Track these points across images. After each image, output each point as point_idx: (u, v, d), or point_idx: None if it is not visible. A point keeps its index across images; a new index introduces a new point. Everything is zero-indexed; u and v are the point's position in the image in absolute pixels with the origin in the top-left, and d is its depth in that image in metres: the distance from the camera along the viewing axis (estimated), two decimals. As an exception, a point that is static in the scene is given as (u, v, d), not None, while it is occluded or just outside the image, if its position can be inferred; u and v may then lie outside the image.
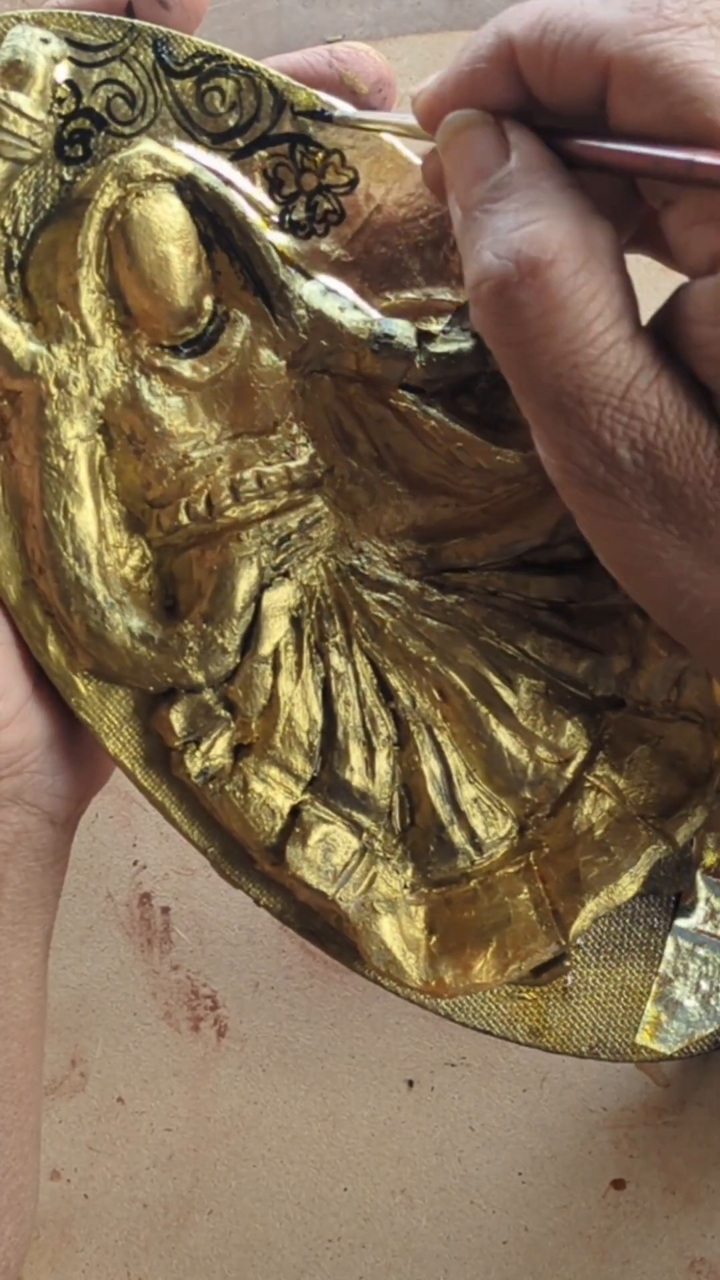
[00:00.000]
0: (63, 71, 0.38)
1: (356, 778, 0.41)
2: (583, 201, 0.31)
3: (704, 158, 0.28)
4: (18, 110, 0.37)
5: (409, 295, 0.40)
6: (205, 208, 0.38)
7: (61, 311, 0.38)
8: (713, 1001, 0.43)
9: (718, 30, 0.29)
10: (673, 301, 0.31)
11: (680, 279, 0.31)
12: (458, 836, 0.41)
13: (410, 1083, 0.56)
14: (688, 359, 0.31)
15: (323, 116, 0.39)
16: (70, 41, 0.38)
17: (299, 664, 0.41)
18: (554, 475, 0.32)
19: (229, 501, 0.39)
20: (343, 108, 0.39)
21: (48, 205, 0.38)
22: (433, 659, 0.41)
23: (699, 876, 0.43)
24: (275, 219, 0.39)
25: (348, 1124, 0.56)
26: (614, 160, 0.31)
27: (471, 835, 0.41)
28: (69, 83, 0.38)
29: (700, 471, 0.30)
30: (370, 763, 0.41)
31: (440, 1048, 0.56)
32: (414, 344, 0.39)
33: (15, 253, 0.38)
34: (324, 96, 0.39)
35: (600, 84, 0.30)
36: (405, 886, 0.41)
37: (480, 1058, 0.56)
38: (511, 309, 0.30)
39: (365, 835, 0.41)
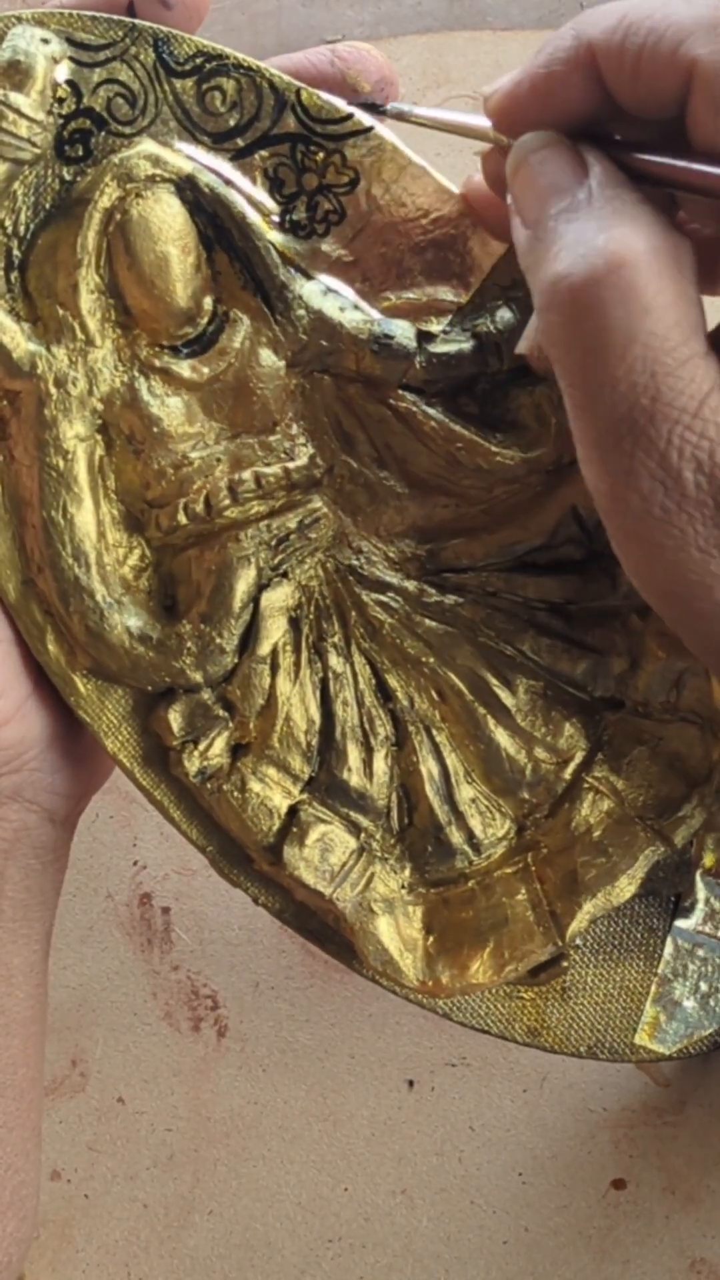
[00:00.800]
0: (63, 71, 0.38)
1: (354, 778, 0.41)
2: (663, 215, 0.30)
3: None
4: (17, 110, 0.37)
5: (409, 295, 0.40)
6: (205, 208, 0.38)
7: (61, 311, 0.38)
8: (712, 1002, 0.43)
9: None
10: None
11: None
12: (456, 837, 0.41)
13: (410, 1083, 0.56)
14: None
15: (379, 109, 0.38)
16: (71, 41, 0.38)
17: (297, 664, 0.41)
18: (603, 503, 0.31)
19: (227, 502, 0.39)
20: (416, 109, 0.38)
21: (48, 205, 0.38)
22: (431, 659, 0.41)
23: (698, 877, 0.43)
24: (276, 219, 0.39)
25: (348, 1124, 0.56)
26: (686, 179, 0.30)
27: (469, 836, 0.41)
28: (69, 83, 0.38)
29: None
30: (368, 763, 0.41)
31: (440, 1048, 0.56)
32: (414, 344, 0.39)
33: (15, 253, 0.38)
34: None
35: (684, 89, 0.29)
36: (403, 886, 0.41)
37: (480, 1058, 0.56)
38: (594, 309, 0.29)
39: (363, 835, 0.41)
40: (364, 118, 0.39)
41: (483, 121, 0.35)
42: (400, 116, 0.38)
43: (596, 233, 0.29)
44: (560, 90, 0.31)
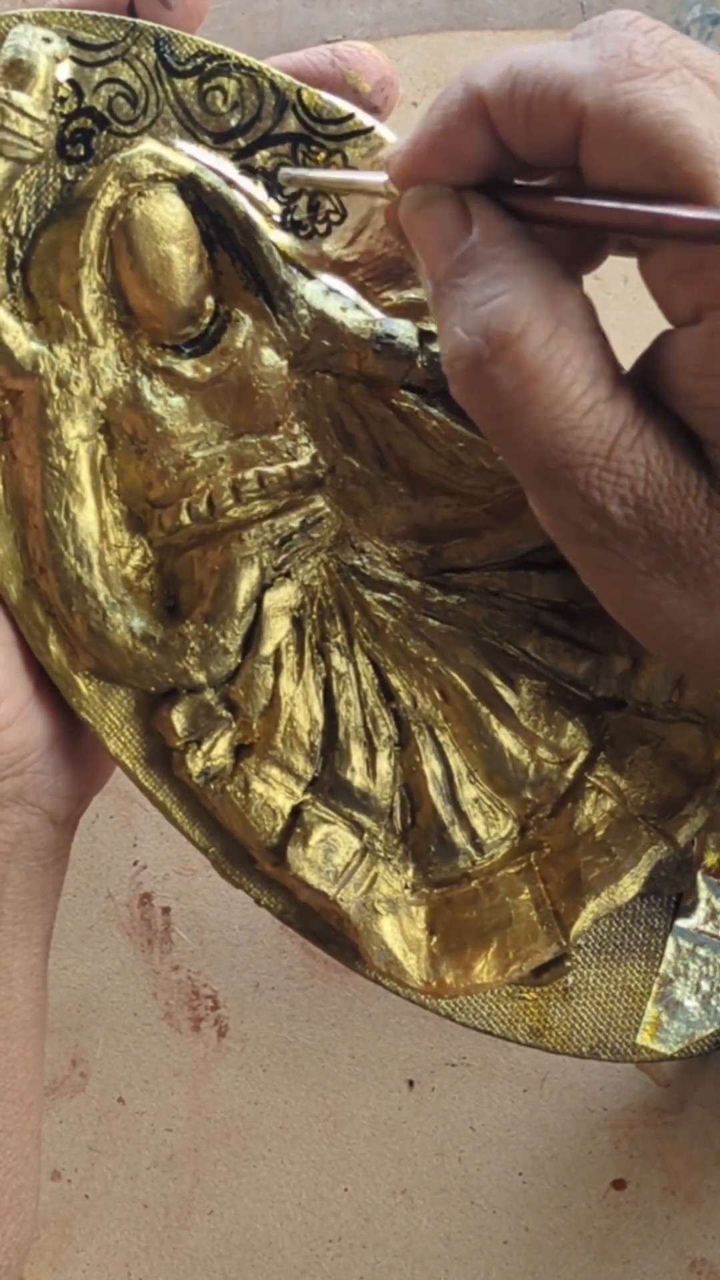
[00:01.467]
0: (64, 71, 0.38)
1: (358, 778, 0.41)
2: (548, 267, 0.31)
3: (675, 211, 0.28)
4: (20, 110, 0.37)
5: (411, 295, 0.40)
6: (207, 207, 0.38)
7: (63, 311, 0.38)
8: (713, 1002, 0.43)
9: (690, 74, 0.28)
10: (655, 350, 0.31)
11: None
12: (459, 837, 0.41)
13: (411, 1083, 0.56)
14: (676, 408, 0.31)
15: (276, 174, 0.38)
16: (72, 41, 0.38)
17: (300, 664, 0.41)
18: (550, 533, 0.32)
19: (230, 501, 0.39)
20: (308, 171, 0.38)
21: (49, 205, 0.38)
22: (434, 659, 0.41)
23: (700, 877, 0.43)
24: (277, 219, 0.39)
25: (348, 1124, 0.56)
26: (582, 217, 0.30)
27: (472, 835, 0.41)
28: (71, 82, 0.38)
29: (693, 521, 0.30)
30: (371, 763, 0.41)
31: (441, 1048, 0.56)
32: (416, 344, 0.39)
33: (17, 252, 0.38)
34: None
35: (575, 135, 0.29)
36: (406, 887, 0.41)
37: (481, 1058, 0.56)
38: (487, 384, 0.30)
39: (366, 836, 0.41)
40: (365, 117, 0.39)
41: (376, 177, 0.35)
42: (291, 181, 0.38)
43: (479, 302, 0.30)
44: (457, 144, 0.32)
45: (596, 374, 0.30)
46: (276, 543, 0.40)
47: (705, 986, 0.43)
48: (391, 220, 0.35)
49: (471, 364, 0.30)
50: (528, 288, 0.30)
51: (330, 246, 0.39)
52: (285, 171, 0.38)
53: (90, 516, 0.39)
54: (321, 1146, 0.55)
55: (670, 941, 0.43)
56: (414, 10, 0.59)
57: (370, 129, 0.39)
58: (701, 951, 0.43)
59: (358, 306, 0.39)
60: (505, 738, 0.41)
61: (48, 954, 0.45)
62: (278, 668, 0.40)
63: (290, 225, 0.39)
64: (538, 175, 0.33)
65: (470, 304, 0.31)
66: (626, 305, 0.54)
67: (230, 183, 0.38)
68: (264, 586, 0.40)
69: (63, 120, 0.38)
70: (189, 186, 0.38)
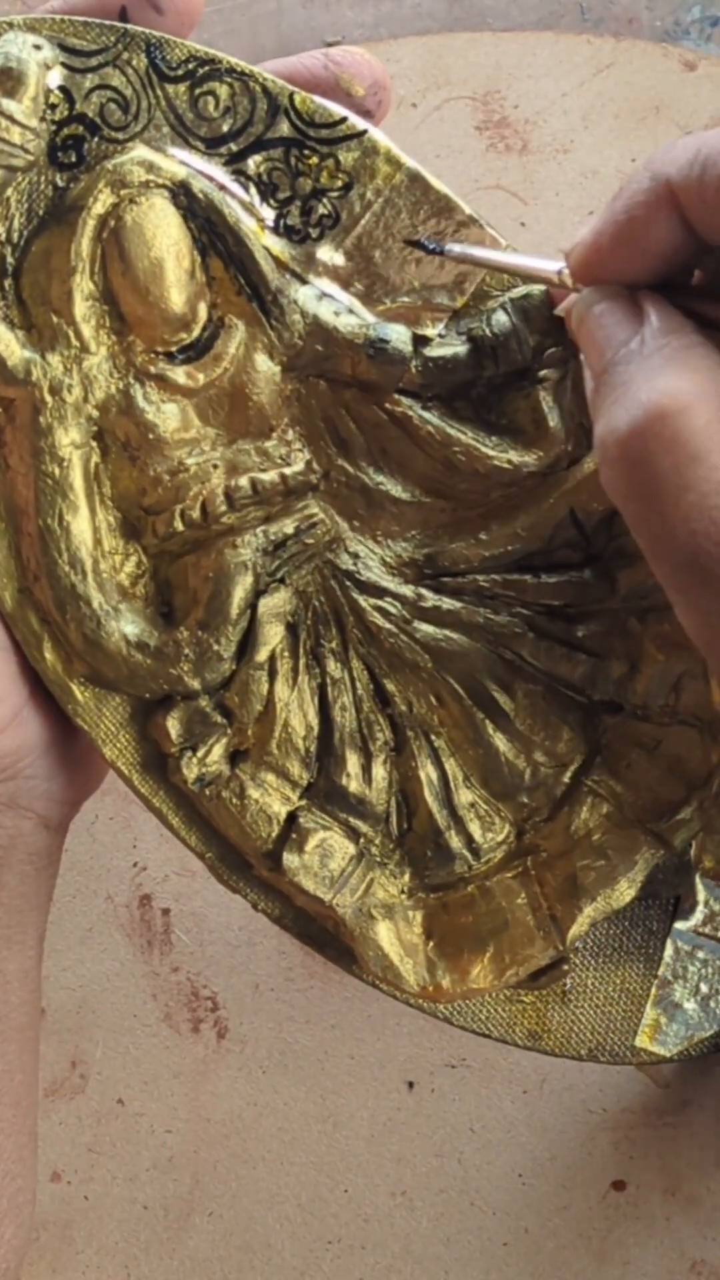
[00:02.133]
0: (55, 77, 0.37)
1: (353, 783, 0.41)
2: (715, 355, 0.30)
3: None
4: (10, 117, 0.37)
5: (405, 299, 0.39)
6: (199, 213, 0.38)
7: (55, 318, 0.38)
8: (712, 1004, 0.43)
9: None
10: None
11: None
12: (455, 841, 0.41)
13: (410, 1084, 0.56)
14: None
15: (436, 250, 0.38)
16: (63, 47, 0.37)
17: (295, 670, 0.41)
18: (694, 637, 0.31)
19: (224, 508, 0.39)
20: (477, 250, 0.38)
21: (41, 212, 0.38)
22: (429, 664, 0.41)
23: (697, 879, 0.43)
24: (270, 224, 0.39)
25: (348, 1125, 0.56)
26: None
27: (469, 840, 0.41)
28: (62, 88, 0.38)
29: None
30: (367, 768, 0.41)
31: (440, 1049, 0.56)
32: (410, 348, 0.39)
33: (9, 259, 0.38)
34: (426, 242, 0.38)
35: None
36: (402, 891, 0.41)
37: (480, 1059, 0.56)
38: (642, 462, 0.29)
39: (362, 841, 0.41)
40: (358, 121, 0.38)
41: (549, 265, 0.35)
42: (464, 259, 0.38)
43: (644, 384, 0.29)
44: (641, 234, 0.31)
45: None
46: (270, 549, 0.40)
47: (704, 988, 0.43)
48: (566, 314, 0.35)
49: (629, 435, 0.29)
50: (697, 369, 0.29)
51: (323, 251, 0.39)
52: (452, 247, 0.38)
53: (84, 524, 0.39)
54: (321, 1148, 0.56)
55: (669, 944, 0.43)
56: (413, 11, 0.59)
57: (363, 132, 0.39)
58: (700, 953, 0.43)
59: (351, 311, 0.39)
60: (501, 742, 0.41)
61: (41, 956, 0.45)
62: (272, 674, 0.40)
63: (283, 230, 0.39)
64: None
65: (634, 385, 0.29)
66: None
67: (222, 188, 0.38)
68: (258, 593, 0.40)
69: (54, 127, 0.38)
70: (181, 193, 0.38)
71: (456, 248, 0.38)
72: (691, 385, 0.29)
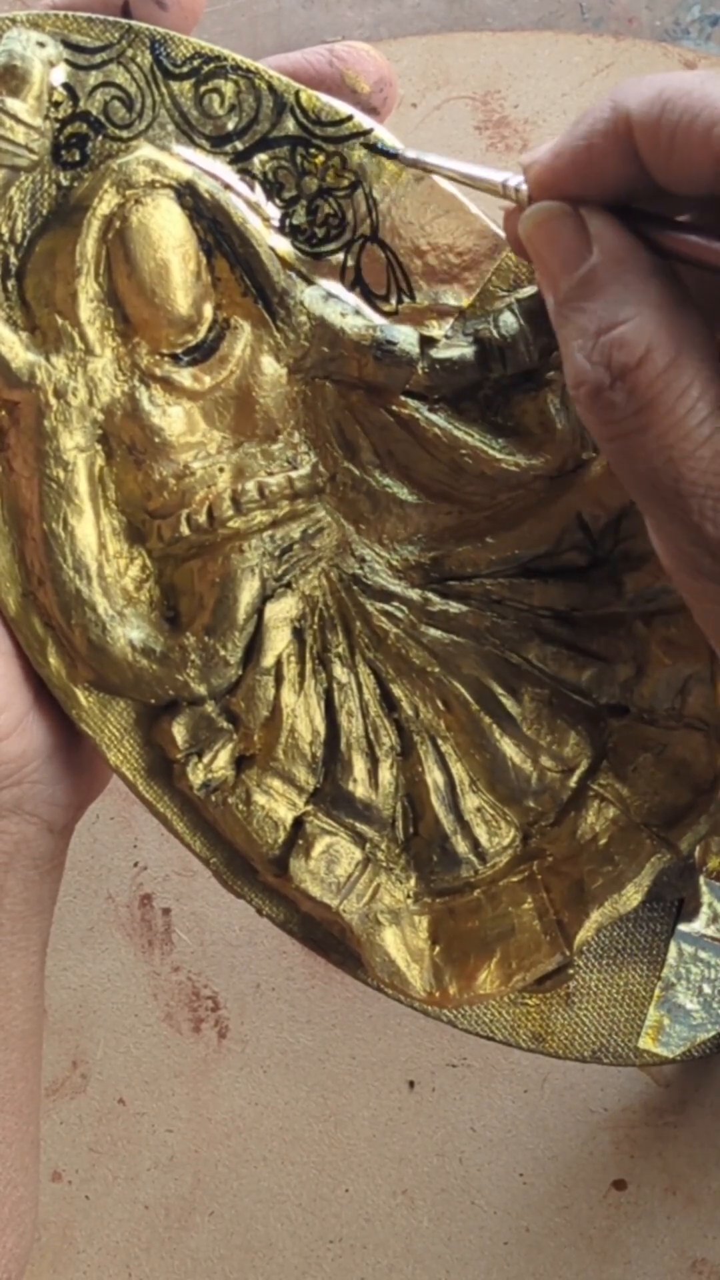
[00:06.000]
0: (59, 75, 0.37)
1: (360, 789, 0.41)
2: (671, 290, 0.31)
3: None
4: (14, 116, 0.36)
5: (411, 300, 0.39)
6: (205, 214, 0.37)
7: (60, 320, 0.38)
8: (715, 1005, 0.43)
9: None
10: None
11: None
12: (461, 846, 0.41)
13: (411, 1084, 0.56)
14: None
15: (390, 154, 0.38)
16: (66, 44, 0.37)
17: (301, 675, 0.40)
18: (663, 562, 0.33)
19: (230, 512, 0.39)
20: (430, 156, 0.38)
21: (45, 212, 0.37)
22: (436, 669, 0.41)
23: (702, 881, 0.43)
24: (276, 223, 0.38)
25: (349, 1125, 0.56)
26: (709, 258, 0.30)
27: (475, 845, 0.41)
28: (66, 86, 0.37)
29: None
30: (373, 773, 0.41)
31: (441, 1049, 0.56)
32: (416, 350, 0.38)
33: (13, 260, 0.38)
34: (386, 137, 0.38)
35: (717, 170, 0.29)
36: (409, 897, 0.41)
37: (481, 1059, 0.56)
38: (606, 408, 0.31)
39: (368, 846, 0.41)
40: (364, 119, 0.38)
41: (497, 175, 0.35)
42: (415, 164, 0.38)
43: (600, 329, 0.31)
44: (598, 161, 0.32)
45: (715, 403, 0.30)
46: (277, 553, 0.39)
47: (707, 989, 0.43)
48: (510, 226, 0.35)
49: (594, 390, 0.31)
50: (649, 312, 0.30)
51: (330, 251, 0.39)
52: (407, 153, 0.38)
53: (89, 528, 0.39)
54: (322, 1147, 0.55)
55: (672, 945, 0.43)
56: (413, 11, 0.59)
57: (369, 130, 0.38)
58: (703, 955, 0.43)
59: (357, 312, 0.39)
60: (507, 746, 0.41)
61: (44, 962, 0.45)
62: (279, 679, 0.40)
63: (289, 230, 0.38)
64: (679, 205, 0.33)
65: (592, 330, 0.31)
66: None
67: (228, 187, 0.38)
68: (265, 598, 0.39)
69: (58, 125, 0.37)
70: (186, 193, 0.37)
71: (411, 153, 0.38)
72: (649, 331, 0.30)
